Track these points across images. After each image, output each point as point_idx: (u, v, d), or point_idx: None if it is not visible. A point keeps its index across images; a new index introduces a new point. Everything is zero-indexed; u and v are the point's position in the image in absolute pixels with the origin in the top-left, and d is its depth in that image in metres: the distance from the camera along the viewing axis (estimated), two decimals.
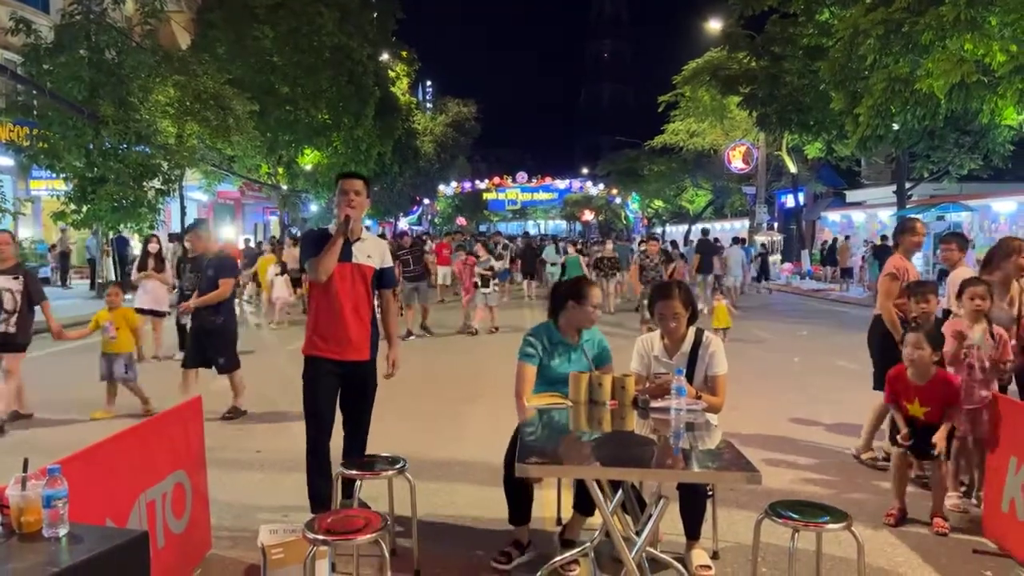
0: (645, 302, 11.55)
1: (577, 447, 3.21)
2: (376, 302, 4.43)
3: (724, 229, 41.37)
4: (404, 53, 34.17)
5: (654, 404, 3.55)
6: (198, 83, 17.58)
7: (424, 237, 31.67)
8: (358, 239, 4.24)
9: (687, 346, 3.86)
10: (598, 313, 3.91)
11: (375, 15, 28.11)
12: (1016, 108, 14.11)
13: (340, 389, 4.25)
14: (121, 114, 15.94)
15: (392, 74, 31.91)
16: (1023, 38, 12.65)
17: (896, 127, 16.10)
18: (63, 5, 16.65)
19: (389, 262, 4.40)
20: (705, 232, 21.21)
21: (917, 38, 13.68)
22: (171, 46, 20.32)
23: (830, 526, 2.98)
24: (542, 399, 3.72)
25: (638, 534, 3.32)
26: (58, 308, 11.74)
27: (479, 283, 12.79)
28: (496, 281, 14.21)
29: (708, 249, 17.97)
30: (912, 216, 6.57)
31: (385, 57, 29.94)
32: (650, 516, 3.10)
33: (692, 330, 3.89)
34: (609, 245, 18.99)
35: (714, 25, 25.88)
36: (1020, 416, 4.19)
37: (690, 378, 3.81)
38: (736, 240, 21.17)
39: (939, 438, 4.23)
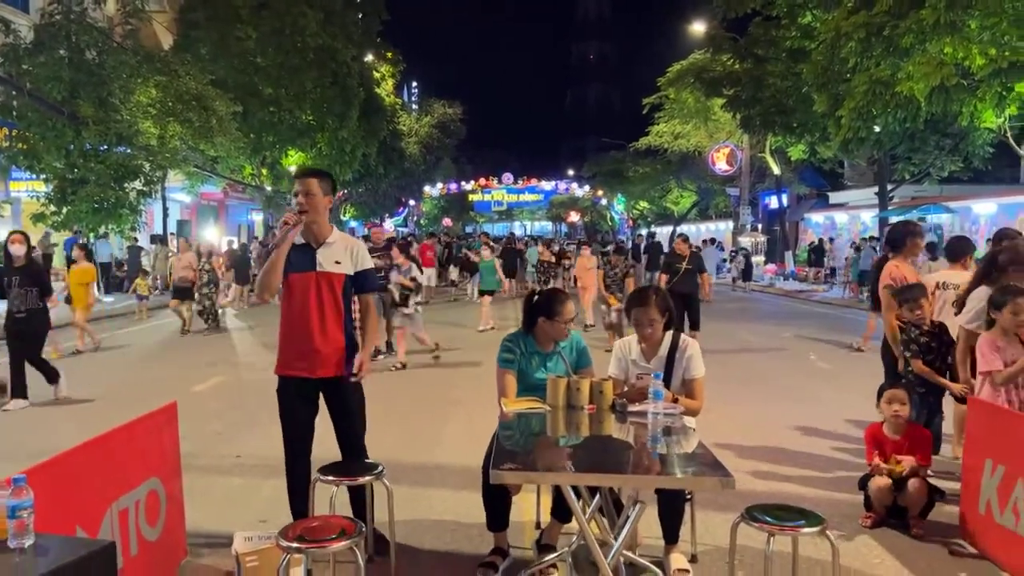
0: (613, 313, 11.19)
1: (553, 453, 3.20)
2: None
3: (709, 230, 41.62)
4: (389, 54, 34.07)
5: (632, 408, 3.55)
6: (180, 84, 17.45)
7: (410, 239, 31.58)
8: (323, 243, 3.82)
9: (664, 350, 3.87)
10: (571, 327, 3.90)
11: (360, 16, 28.01)
12: (995, 111, 14.29)
13: (324, 403, 3.97)
14: (101, 115, 15.81)
15: (377, 75, 31.81)
16: (1002, 41, 12.80)
17: (877, 129, 16.26)
18: (43, 5, 16.49)
19: (366, 263, 3.95)
20: (652, 235, 24.26)
21: (898, 41, 13.82)
22: (153, 46, 20.16)
23: (805, 530, 2.99)
24: (520, 403, 3.70)
25: (615, 539, 3.31)
26: None
27: (396, 300, 9.83)
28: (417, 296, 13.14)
29: (656, 249, 21.44)
30: (908, 219, 6.41)
31: (370, 58, 29.84)
32: (626, 521, 3.10)
33: (669, 334, 3.90)
34: (543, 248, 17.86)
35: (698, 27, 26.00)
36: (996, 418, 4.22)
37: (668, 381, 3.82)
38: (709, 241, 24.11)
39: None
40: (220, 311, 14.30)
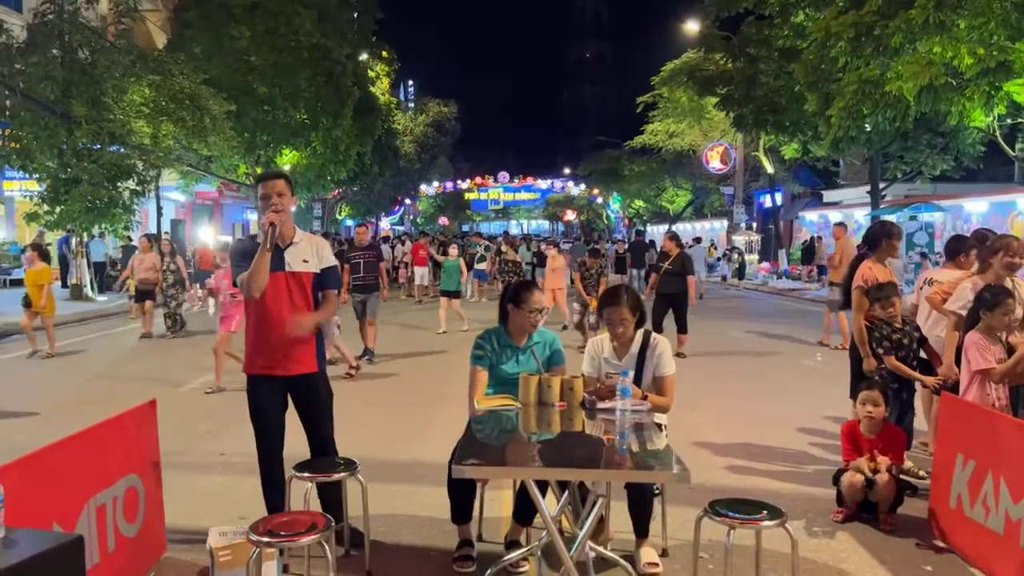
0: (588, 315, 10.83)
1: (516, 448, 3.27)
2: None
3: (704, 229, 41.73)
4: (384, 53, 34.07)
5: (600, 405, 3.62)
6: (173, 83, 17.48)
7: (404, 237, 31.61)
8: (290, 243, 3.90)
9: (635, 348, 3.95)
10: (539, 317, 3.95)
11: (355, 15, 28.03)
12: (983, 110, 14.35)
13: (293, 401, 4.04)
14: (94, 114, 15.82)
15: (372, 74, 31.83)
16: (990, 41, 12.86)
17: (868, 128, 16.32)
18: (36, 4, 16.52)
19: (330, 261, 4.02)
20: (640, 232, 27.42)
21: (887, 41, 13.88)
22: (147, 45, 20.20)
23: (765, 523, 3.06)
24: (493, 401, 3.77)
25: (580, 532, 3.38)
26: None
27: None
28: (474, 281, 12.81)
29: (639, 248, 22.61)
30: (886, 219, 6.32)
31: (364, 57, 29.86)
32: (589, 514, 3.17)
33: (640, 332, 3.97)
34: (507, 246, 16.19)
35: (692, 27, 26.07)
36: (967, 414, 4.29)
37: (639, 379, 3.89)
38: (696, 240, 24.79)
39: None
40: (208, 307, 13.70)
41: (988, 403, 4.42)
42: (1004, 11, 12.45)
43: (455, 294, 13.44)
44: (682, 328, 10.53)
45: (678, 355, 8.83)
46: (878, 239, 5.70)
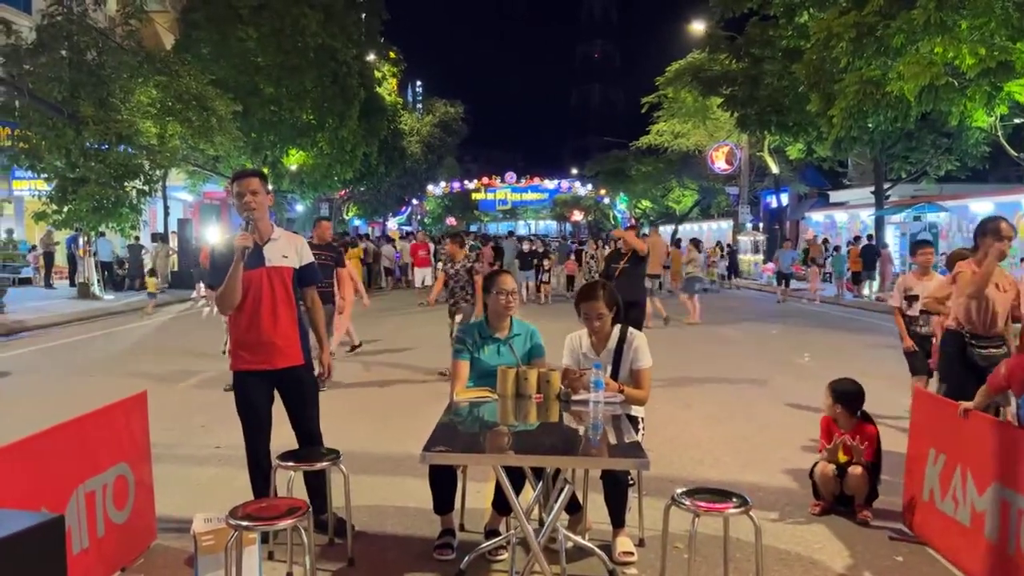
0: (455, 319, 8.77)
1: (483, 437, 3.36)
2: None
3: (711, 229, 41.67)
4: (392, 54, 34.23)
5: (575, 397, 3.71)
6: (180, 84, 17.68)
7: (410, 235, 31.69)
8: (269, 240, 4.02)
9: (613, 342, 4.04)
10: (510, 299, 4.06)
11: (363, 16, 28.19)
12: (985, 110, 14.34)
13: (279, 395, 4.14)
14: (102, 114, 16.04)
15: (378, 74, 31.99)
16: (991, 41, 12.86)
17: (870, 128, 16.33)
18: (44, 6, 16.74)
19: (309, 257, 4.16)
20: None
21: (888, 41, 13.89)
22: (155, 46, 20.40)
23: (730, 510, 3.14)
24: (472, 393, 3.87)
25: (547, 518, 3.46)
26: (41, 308, 11.86)
27: None
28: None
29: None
30: (997, 216, 5.69)
31: (371, 57, 30.03)
32: (557, 500, 3.26)
33: (617, 328, 4.06)
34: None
35: (698, 27, 26.10)
36: (940, 410, 4.35)
37: (616, 373, 3.98)
38: (675, 243, 25.09)
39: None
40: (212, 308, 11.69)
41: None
42: (1005, 11, 12.45)
43: None
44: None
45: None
46: (975, 236, 5.06)
